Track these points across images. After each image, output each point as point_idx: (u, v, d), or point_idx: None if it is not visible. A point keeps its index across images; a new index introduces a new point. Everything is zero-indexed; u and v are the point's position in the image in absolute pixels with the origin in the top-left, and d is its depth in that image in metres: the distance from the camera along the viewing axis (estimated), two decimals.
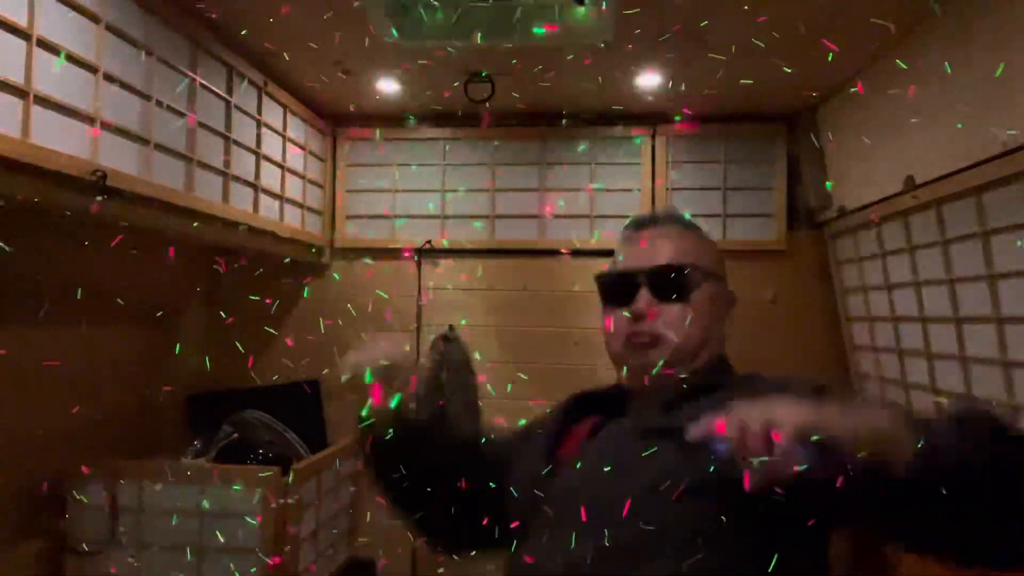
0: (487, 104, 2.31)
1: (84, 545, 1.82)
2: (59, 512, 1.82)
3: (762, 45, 1.88)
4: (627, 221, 1.14)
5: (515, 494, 1.01)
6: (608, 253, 1.16)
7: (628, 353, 1.02)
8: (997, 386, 1.68)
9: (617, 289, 1.03)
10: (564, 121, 2.62)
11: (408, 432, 1.04)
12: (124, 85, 1.56)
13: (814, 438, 0.66)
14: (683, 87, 2.25)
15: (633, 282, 1.01)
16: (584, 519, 0.87)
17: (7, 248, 1.35)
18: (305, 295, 2.73)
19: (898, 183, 1.91)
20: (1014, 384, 1.63)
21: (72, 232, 1.75)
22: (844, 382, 2.52)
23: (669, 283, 0.99)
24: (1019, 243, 1.52)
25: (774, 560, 0.81)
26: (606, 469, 0.91)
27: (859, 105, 2.15)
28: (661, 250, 1.02)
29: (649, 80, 2.24)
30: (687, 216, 1.11)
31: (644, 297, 0.99)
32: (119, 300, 2.02)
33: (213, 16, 1.81)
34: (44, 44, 1.33)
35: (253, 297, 2.57)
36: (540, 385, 2.56)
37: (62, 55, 1.37)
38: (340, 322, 2.67)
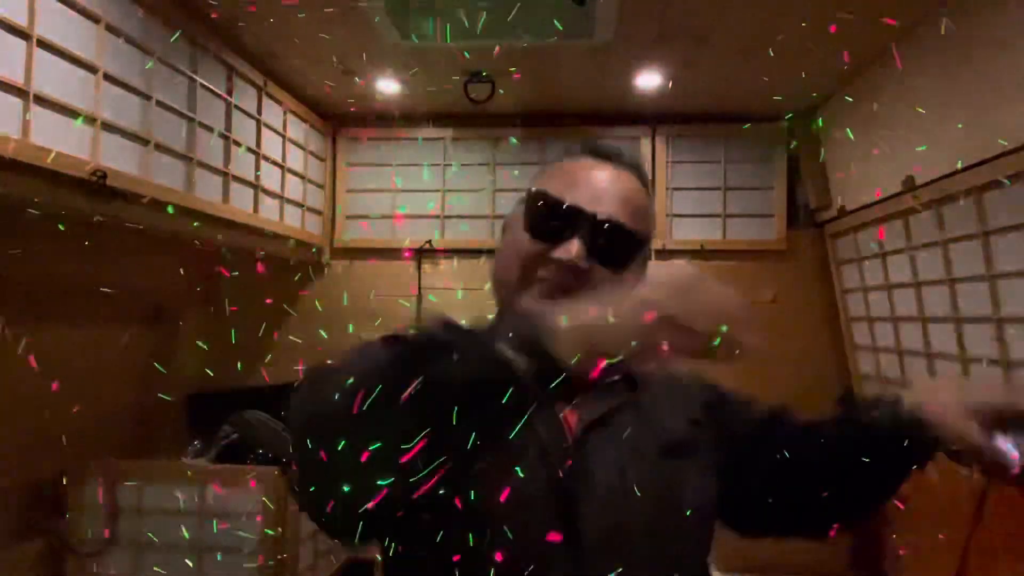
0: (487, 104, 2.31)
1: (84, 545, 1.82)
2: (59, 512, 1.82)
3: (762, 45, 1.88)
4: (583, 141, 0.90)
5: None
6: None
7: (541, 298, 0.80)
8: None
9: (549, 222, 0.80)
10: (564, 121, 2.62)
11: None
12: (122, 84, 1.56)
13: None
14: (683, 87, 2.25)
15: (571, 223, 0.79)
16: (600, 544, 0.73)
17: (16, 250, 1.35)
18: (305, 295, 2.73)
19: (898, 183, 1.91)
20: (1014, 383, 1.63)
21: (72, 232, 1.75)
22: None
23: (615, 244, 0.80)
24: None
25: None
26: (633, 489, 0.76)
27: (859, 105, 2.15)
28: (617, 200, 0.81)
29: (649, 80, 2.24)
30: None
31: (576, 247, 0.78)
32: (119, 300, 2.01)
33: (213, 16, 1.81)
34: (44, 44, 1.33)
35: (253, 297, 2.57)
36: None
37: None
38: (339, 321, 2.68)
